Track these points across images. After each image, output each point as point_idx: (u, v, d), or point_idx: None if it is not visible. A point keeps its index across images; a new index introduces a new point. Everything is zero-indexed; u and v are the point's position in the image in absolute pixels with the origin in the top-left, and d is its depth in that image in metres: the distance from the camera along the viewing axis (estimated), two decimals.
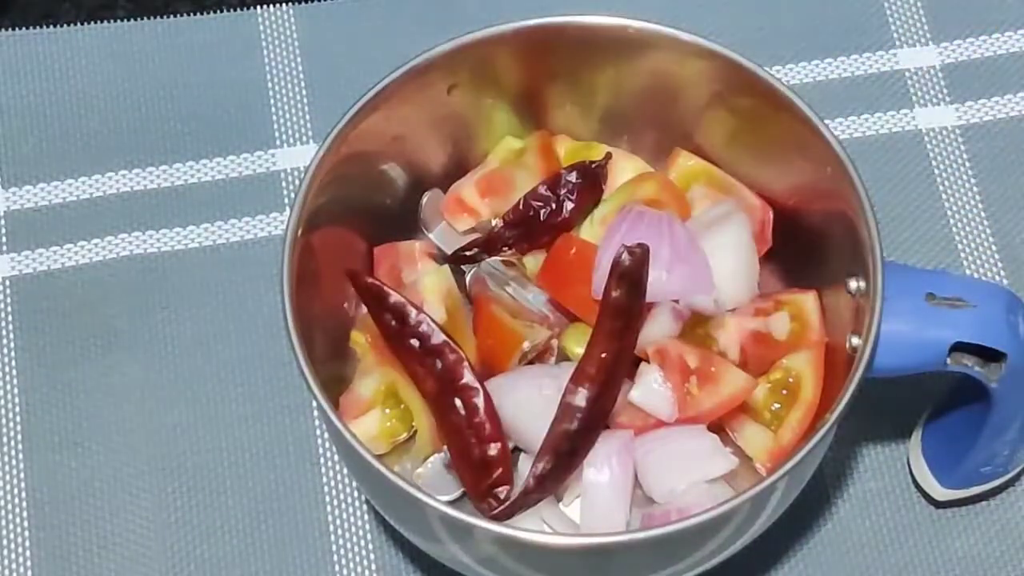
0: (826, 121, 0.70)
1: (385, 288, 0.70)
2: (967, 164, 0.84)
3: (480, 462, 0.68)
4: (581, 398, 0.67)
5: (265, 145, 0.85)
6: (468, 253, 0.75)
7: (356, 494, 0.77)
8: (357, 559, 0.76)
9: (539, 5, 0.73)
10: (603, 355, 0.67)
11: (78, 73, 0.87)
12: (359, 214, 0.74)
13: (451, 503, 0.68)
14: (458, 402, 0.68)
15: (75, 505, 0.77)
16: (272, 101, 0.86)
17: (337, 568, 0.76)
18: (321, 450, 0.78)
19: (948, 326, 0.66)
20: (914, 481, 0.76)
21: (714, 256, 0.71)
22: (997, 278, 0.82)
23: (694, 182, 0.76)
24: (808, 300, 0.72)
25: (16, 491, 0.77)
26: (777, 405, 0.71)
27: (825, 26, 0.88)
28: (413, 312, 0.69)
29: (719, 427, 0.71)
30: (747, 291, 0.72)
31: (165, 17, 0.88)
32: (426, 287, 0.73)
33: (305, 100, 0.86)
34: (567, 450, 0.67)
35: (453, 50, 0.71)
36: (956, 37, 0.87)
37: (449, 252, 0.76)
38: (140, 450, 0.78)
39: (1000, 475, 0.74)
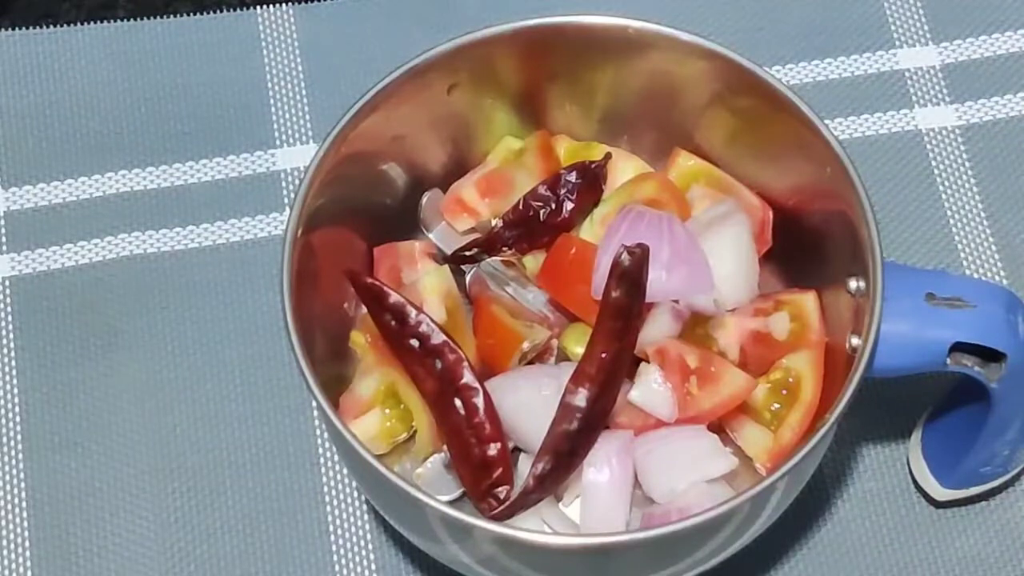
0: (826, 121, 0.70)
1: (385, 288, 0.70)
2: (967, 164, 0.84)
3: (480, 462, 0.68)
4: (581, 398, 0.67)
5: (265, 145, 0.85)
6: (468, 253, 0.75)
7: (356, 494, 0.77)
8: (357, 559, 0.76)
9: (539, 5, 0.74)
10: (603, 355, 0.67)
11: (78, 73, 0.87)
12: (359, 214, 0.74)
13: (451, 503, 0.68)
14: (458, 402, 0.68)
15: (75, 505, 0.77)
16: (272, 101, 0.86)
17: (337, 568, 0.76)
18: (321, 450, 0.78)
19: (948, 326, 0.66)
20: (914, 481, 0.76)
21: (714, 256, 0.71)
22: (997, 278, 0.82)
23: (694, 182, 0.76)
24: (808, 300, 0.72)
25: (16, 491, 0.77)
26: (777, 405, 0.71)
27: (825, 26, 0.88)
28: (413, 312, 0.69)
29: (719, 427, 0.71)
30: (747, 291, 0.72)
31: (165, 17, 0.88)
32: (426, 287, 0.73)
33: (305, 100, 0.86)
34: (567, 450, 0.67)
35: (453, 50, 0.71)
36: (956, 37, 0.87)
37: (449, 252, 0.76)
38: (140, 450, 0.78)
39: (1000, 475, 0.74)
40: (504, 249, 0.74)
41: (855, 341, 0.67)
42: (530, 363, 0.72)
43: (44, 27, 0.88)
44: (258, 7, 0.88)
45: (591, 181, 0.75)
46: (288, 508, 0.77)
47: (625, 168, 0.76)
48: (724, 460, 0.69)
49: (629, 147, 0.77)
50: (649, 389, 0.69)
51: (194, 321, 0.81)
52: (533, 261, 0.74)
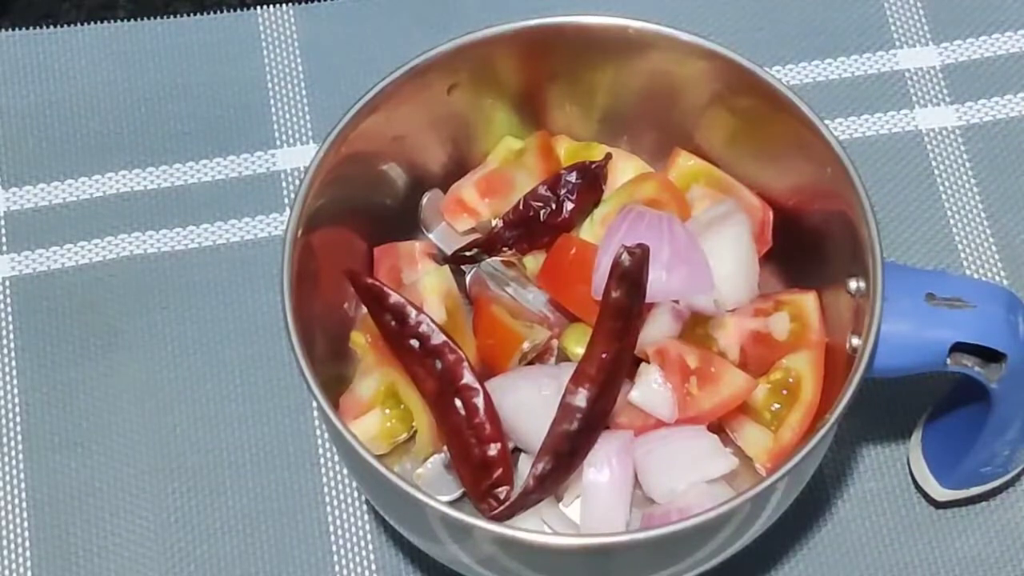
0: (826, 121, 0.70)
1: (385, 288, 0.70)
2: (967, 164, 0.84)
3: (480, 462, 0.68)
4: (581, 398, 0.67)
5: (265, 145, 0.85)
6: (468, 253, 0.75)
7: (356, 494, 0.77)
8: (357, 559, 0.76)
9: (539, 5, 0.74)
10: (603, 355, 0.67)
11: (78, 73, 0.87)
12: (359, 214, 0.74)
13: (451, 503, 0.68)
14: (458, 402, 0.68)
15: (75, 505, 0.77)
16: (272, 101, 0.86)
17: (337, 568, 0.76)
18: (321, 450, 0.78)
19: (948, 326, 0.66)
20: (914, 481, 0.76)
21: (714, 256, 0.71)
22: (997, 278, 0.82)
23: (694, 182, 0.76)
24: (808, 300, 0.72)
25: (16, 491, 0.77)
26: (777, 405, 0.71)
27: (825, 26, 0.88)
28: (413, 312, 0.69)
29: (719, 427, 0.71)
30: (747, 291, 0.72)
31: (165, 17, 0.88)
32: (426, 287, 0.73)
33: (305, 100, 0.86)
34: (567, 450, 0.67)
35: (453, 50, 0.71)
36: (956, 37, 0.87)
37: (449, 252, 0.76)
38: (140, 450, 0.78)
39: (1000, 475, 0.74)
40: (504, 249, 0.74)
41: (855, 341, 0.67)
42: (530, 363, 0.72)
43: (44, 27, 0.88)
44: (258, 7, 0.88)
45: (591, 181, 0.75)
46: (288, 508, 0.77)
47: (625, 168, 0.76)
48: (724, 460, 0.69)
49: (629, 147, 0.77)
50: (649, 389, 0.69)
51: (194, 321, 0.81)
52: (533, 261, 0.74)
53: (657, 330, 0.70)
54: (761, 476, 0.71)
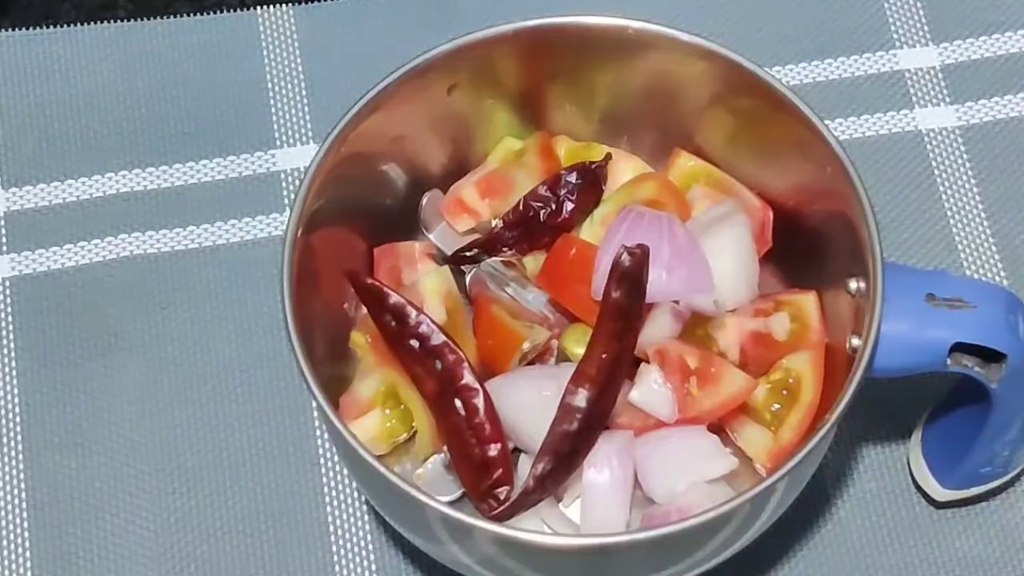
0: (826, 121, 0.70)
1: (385, 289, 0.70)
2: (967, 164, 0.84)
3: (480, 463, 0.68)
4: (581, 399, 0.67)
5: (265, 145, 0.85)
6: (468, 254, 0.75)
7: (356, 494, 0.77)
8: (357, 559, 0.76)
9: (539, 5, 0.73)
10: (603, 356, 0.67)
11: (78, 73, 0.87)
12: (359, 214, 0.74)
13: (451, 503, 0.68)
14: (458, 403, 0.68)
15: (75, 505, 0.77)
16: (272, 101, 0.86)
17: (337, 568, 0.76)
18: (321, 451, 0.78)
19: (948, 327, 0.66)
20: (914, 481, 0.76)
21: (714, 256, 0.71)
22: (997, 278, 0.82)
23: (694, 182, 0.76)
24: (808, 300, 0.72)
25: (16, 491, 0.77)
26: (777, 405, 0.71)
27: (825, 27, 0.88)
28: (413, 313, 0.69)
29: (719, 427, 0.71)
30: (747, 291, 0.72)
31: (165, 17, 0.88)
32: (426, 288, 0.73)
33: (305, 100, 0.86)
34: (567, 451, 0.67)
35: (453, 50, 0.71)
36: (956, 37, 0.87)
37: (449, 253, 0.76)
38: (140, 450, 0.78)
39: (1000, 476, 0.74)
40: (504, 249, 0.74)
41: (855, 341, 0.67)
42: (530, 363, 0.72)
43: (44, 27, 0.88)
44: (258, 7, 0.88)
45: (591, 181, 0.75)
46: (288, 508, 0.77)
47: (625, 168, 0.76)
48: (724, 460, 0.69)
49: (629, 147, 0.77)
50: (649, 389, 0.69)
51: (194, 321, 0.81)
52: (533, 261, 0.74)
53: (657, 330, 0.70)
54: (761, 476, 0.71)
